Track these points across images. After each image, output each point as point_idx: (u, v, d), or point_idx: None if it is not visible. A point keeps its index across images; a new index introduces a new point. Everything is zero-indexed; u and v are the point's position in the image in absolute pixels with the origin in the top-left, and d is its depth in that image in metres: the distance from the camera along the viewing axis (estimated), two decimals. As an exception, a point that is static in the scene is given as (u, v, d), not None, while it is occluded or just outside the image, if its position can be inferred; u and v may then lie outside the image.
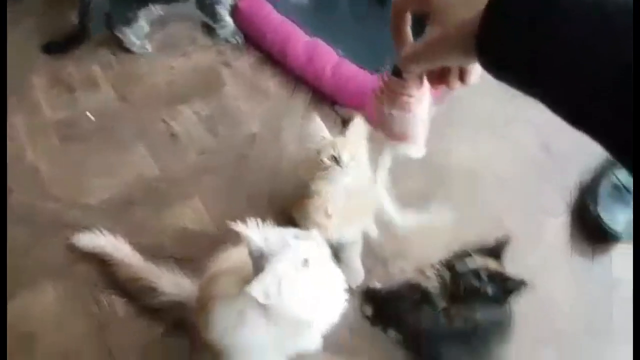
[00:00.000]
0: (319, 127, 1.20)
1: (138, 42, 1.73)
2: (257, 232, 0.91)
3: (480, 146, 1.67)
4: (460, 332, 1.13)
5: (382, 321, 1.34)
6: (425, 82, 0.62)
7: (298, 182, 1.26)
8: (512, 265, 1.40)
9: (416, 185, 1.58)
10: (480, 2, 0.41)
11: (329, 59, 1.67)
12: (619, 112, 0.36)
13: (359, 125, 1.20)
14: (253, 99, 1.71)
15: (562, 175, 1.61)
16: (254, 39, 1.80)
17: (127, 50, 1.74)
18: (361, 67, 1.64)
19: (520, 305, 1.37)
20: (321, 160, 1.16)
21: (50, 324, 1.28)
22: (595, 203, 1.51)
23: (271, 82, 1.76)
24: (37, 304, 1.30)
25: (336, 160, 1.15)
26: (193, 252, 1.32)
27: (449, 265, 1.12)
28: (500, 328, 1.15)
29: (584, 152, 1.59)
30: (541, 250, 1.51)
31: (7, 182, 1.45)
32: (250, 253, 0.91)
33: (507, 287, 1.05)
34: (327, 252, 0.99)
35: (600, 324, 1.42)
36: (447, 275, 1.11)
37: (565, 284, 1.47)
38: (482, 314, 1.09)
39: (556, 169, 1.63)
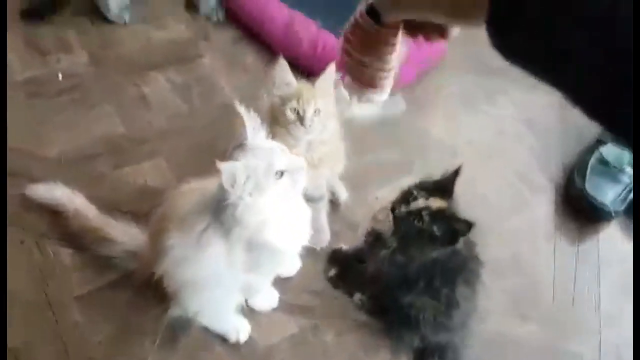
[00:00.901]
0: (285, 72, 1.14)
1: (116, 11, 1.71)
2: (252, 125, 0.88)
3: (461, 121, 1.62)
4: (419, 272, 1.04)
5: (345, 284, 1.25)
6: (401, 30, 0.56)
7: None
8: (492, 236, 1.34)
9: (394, 157, 1.52)
10: None
11: (307, 32, 1.64)
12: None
13: (329, 75, 1.15)
14: (229, 72, 1.67)
15: (546, 151, 1.55)
16: (233, 13, 1.78)
17: (105, 19, 1.71)
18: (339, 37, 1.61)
19: (502, 278, 1.31)
20: (285, 111, 1.10)
21: (-11, 271, 1.19)
22: (583, 179, 1.44)
23: (249, 57, 1.73)
24: (-22, 251, 1.22)
25: (299, 115, 1.09)
26: (150, 208, 1.25)
27: (392, 209, 1.03)
28: (463, 268, 1.06)
29: (568, 128, 1.53)
30: (525, 225, 1.44)
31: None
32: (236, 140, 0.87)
33: (454, 228, 0.96)
34: (303, 184, 0.92)
35: (583, 303, 1.32)
36: (391, 222, 1.03)
37: (549, 260, 1.38)
38: (437, 253, 1.00)
39: (540, 144, 1.57)
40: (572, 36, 0.34)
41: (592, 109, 0.36)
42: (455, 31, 0.51)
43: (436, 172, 1.06)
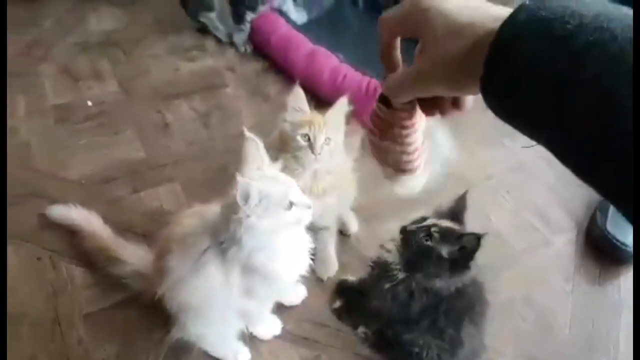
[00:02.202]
0: (299, 99, 1.15)
1: (222, 28, 1.89)
2: (260, 153, 0.91)
3: (480, 155, 1.60)
4: (424, 311, 1.01)
5: (350, 316, 1.23)
6: (418, 110, 0.56)
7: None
8: (506, 275, 1.30)
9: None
10: (467, 35, 0.41)
11: (328, 63, 1.67)
12: (623, 173, 0.34)
13: (341, 106, 1.16)
14: (252, 101, 1.72)
15: (567, 189, 1.51)
16: (259, 45, 1.84)
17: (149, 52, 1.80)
18: (360, 71, 1.63)
19: (514, 319, 1.26)
20: (296, 137, 1.11)
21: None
22: (605, 218, 1.39)
23: (272, 88, 1.77)
24: (-4, 266, 1.26)
25: (310, 142, 1.10)
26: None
27: (402, 230, 1.02)
28: (470, 309, 1.02)
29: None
30: (541, 265, 1.39)
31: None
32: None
33: (462, 245, 0.94)
34: (308, 218, 0.92)
35: (601, 348, 1.25)
36: (400, 240, 1.01)
37: (565, 302, 1.32)
38: (442, 282, 0.97)
39: (561, 182, 1.52)
40: (560, 111, 0.36)
41: (578, 171, 0.38)
42: (469, 102, 0.51)
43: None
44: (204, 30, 1.92)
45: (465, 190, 1.01)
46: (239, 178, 0.80)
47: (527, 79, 0.37)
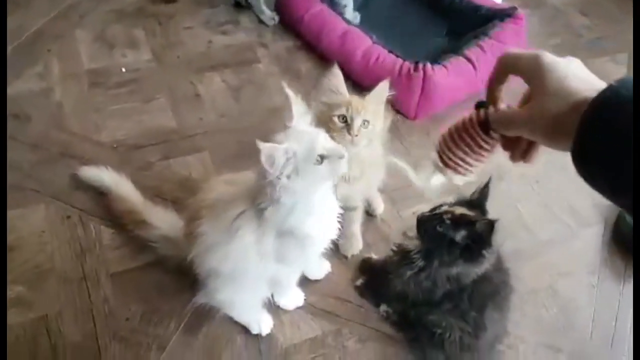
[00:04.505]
0: (338, 80, 1.11)
1: (268, 12, 1.88)
2: (299, 108, 0.87)
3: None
4: (447, 295, 1.01)
5: (372, 294, 1.23)
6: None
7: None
8: (531, 265, 1.30)
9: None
10: (572, 98, 0.48)
11: (361, 44, 1.66)
12: None
13: (381, 90, 1.11)
14: (283, 78, 1.71)
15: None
16: (292, 23, 1.84)
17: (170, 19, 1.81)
18: (393, 53, 1.62)
19: (537, 308, 1.26)
20: (332, 118, 1.07)
21: (33, 242, 1.25)
22: (633, 214, 1.37)
23: (303, 65, 1.76)
24: (27, 221, 1.28)
25: (347, 124, 1.06)
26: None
27: (418, 217, 1.01)
28: (495, 294, 1.02)
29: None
30: (567, 257, 1.37)
31: (28, 111, 1.49)
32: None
33: (476, 231, 0.92)
34: (343, 168, 0.89)
35: (623, 344, 1.24)
36: (416, 227, 1.01)
37: (590, 295, 1.31)
38: (459, 270, 0.97)
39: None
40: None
41: None
42: (536, 160, 0.59)
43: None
44: (238, 5, 1.92)
45: (489, 178, 0.99)
46: (259, 144, 0.79)
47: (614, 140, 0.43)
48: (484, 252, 0.94)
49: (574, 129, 0.46)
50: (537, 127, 0.52)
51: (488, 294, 1.02)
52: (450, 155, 0.64)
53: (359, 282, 1.25)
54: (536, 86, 0.52)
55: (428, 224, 0.97)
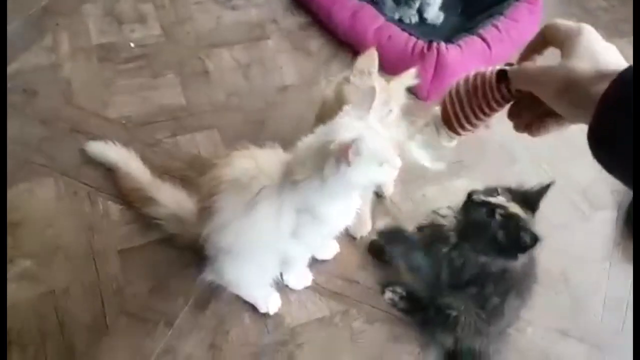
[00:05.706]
0: (372, 64, 1.08)
1: None
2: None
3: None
4: (473, 278, 1.00)
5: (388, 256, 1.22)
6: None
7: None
8: (542, 249, 1.28)
9: (447, 157, 1.48)
10: (600, 66, 0.47)
11: (373, 23, 1.63)
12: None
13: (407, 78, 1.11)
14: (294, 55, 1.69)
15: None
16: (303, 0, 1.80)
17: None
18: (405, 31, 1.59)
19: (548, 292, 1.25)
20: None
21: (41, 217, 1.25)
22: (647, 199, 1.35)
23: (314, 43, 1.74)
24: (34, 197, 1.27)
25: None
26: (200, 177, 1.27)
27: (469, 194, 0.99)
28: (520, 283, 1.02)
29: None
30: (579, 241, 1.36)
31: (37, 86, 1.48)
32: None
33: (518, 238, 0.91)
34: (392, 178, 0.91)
35: (630, 332, 1.23)
36: (463, 203, 0.99)
37: (601, 279, 1.30)
38: (487, 259, 0.96)
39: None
40: None
41: None
42: (544, 133, 0.57)
43: (489, 177, 1.01)
44: (249, -20, 1.88)
45: (551, 181, 0.98)
46: (356, 135, 0.78)
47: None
48: (519, 254, 0.94)
49: (590, 99, 0.45)
50: (553, 81, 0.50)
51: (514, 280, 1.01)
52: (457, 109, 0.62)
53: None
54: (567, 47, 0.51)
55: (478, 209, 0.96)
